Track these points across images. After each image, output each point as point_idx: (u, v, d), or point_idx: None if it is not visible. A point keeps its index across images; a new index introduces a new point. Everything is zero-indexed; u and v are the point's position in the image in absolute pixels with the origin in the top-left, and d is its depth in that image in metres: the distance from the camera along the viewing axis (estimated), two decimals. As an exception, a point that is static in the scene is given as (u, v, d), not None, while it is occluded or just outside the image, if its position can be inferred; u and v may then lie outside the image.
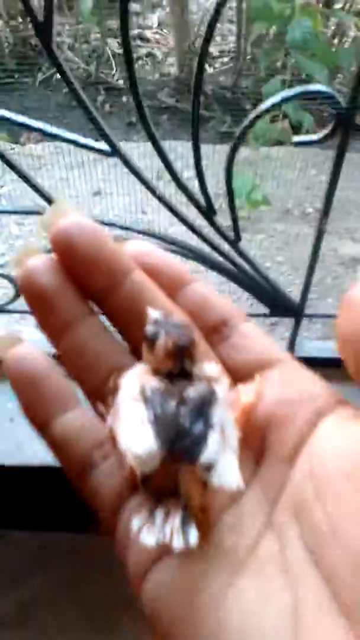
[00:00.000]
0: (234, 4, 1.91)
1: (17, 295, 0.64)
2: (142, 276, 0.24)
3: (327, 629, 0.18)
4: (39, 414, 0.23)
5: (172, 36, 1.92)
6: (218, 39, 1.99)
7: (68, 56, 1.84)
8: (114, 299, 0.24)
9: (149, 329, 0.22)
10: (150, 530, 0.20)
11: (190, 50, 1.81)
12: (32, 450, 0.70)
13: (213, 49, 1.95)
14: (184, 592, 0.20)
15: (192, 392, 0.22)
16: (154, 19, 2.05)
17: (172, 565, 0.21)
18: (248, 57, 1.75)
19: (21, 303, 0.68)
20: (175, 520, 0.20)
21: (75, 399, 0.24)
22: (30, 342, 0.24)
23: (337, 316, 0.21)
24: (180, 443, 0.20)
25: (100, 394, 0.23)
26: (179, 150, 1.37)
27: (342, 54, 1.31)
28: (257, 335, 0.25)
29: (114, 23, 1.91)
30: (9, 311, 0.67)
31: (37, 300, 0.23)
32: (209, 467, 0.20)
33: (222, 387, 0.22)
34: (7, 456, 0.69)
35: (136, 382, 0.22)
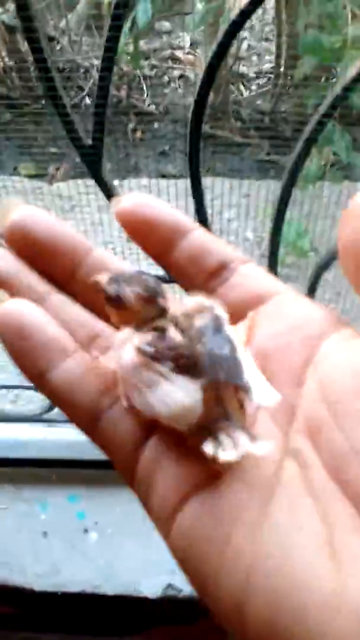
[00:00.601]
0: (269, 16, 1.82)
1: (52, 406, 0.57)
2: (102, 253, 0.25)
3: None
4: (32, 365, 0.22)
5: (206, 57, 1.83)
6: (254, 58, 1.89)
7: (96, 79, 1.76)
8: (76, 280, 0.24)
9: (110, 290, 0.22)
10: (226, 449, 0.20)
11: (228, 72, 1.72)
12: (69, 572, 0.62)
13: (248, 70, 1.86)
14: (217, 530, 0.19)
15: (199, 322, 0.21)
16: (185, 38, 1.95)
17: (200, 505, 0.20)
18: (288, 78, 1.65)
19: (57, 412, 0.61)
20: (242, 436, 0.20)
21: (71, 345, 0.23)
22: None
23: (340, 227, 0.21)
24: (217, 371, 0.20)
25: None
26: (216, 189, 1.26)
27: None
28: (256, 274, 0.24)
29: (144, 45, 1.83)
30: (44, 420, 0.60)
31: None
32: (248, 387, 0.20)
33: (220, 310, 0.22)
34: (39, 579, 0.61)
35: (129, 347, 0.21)
